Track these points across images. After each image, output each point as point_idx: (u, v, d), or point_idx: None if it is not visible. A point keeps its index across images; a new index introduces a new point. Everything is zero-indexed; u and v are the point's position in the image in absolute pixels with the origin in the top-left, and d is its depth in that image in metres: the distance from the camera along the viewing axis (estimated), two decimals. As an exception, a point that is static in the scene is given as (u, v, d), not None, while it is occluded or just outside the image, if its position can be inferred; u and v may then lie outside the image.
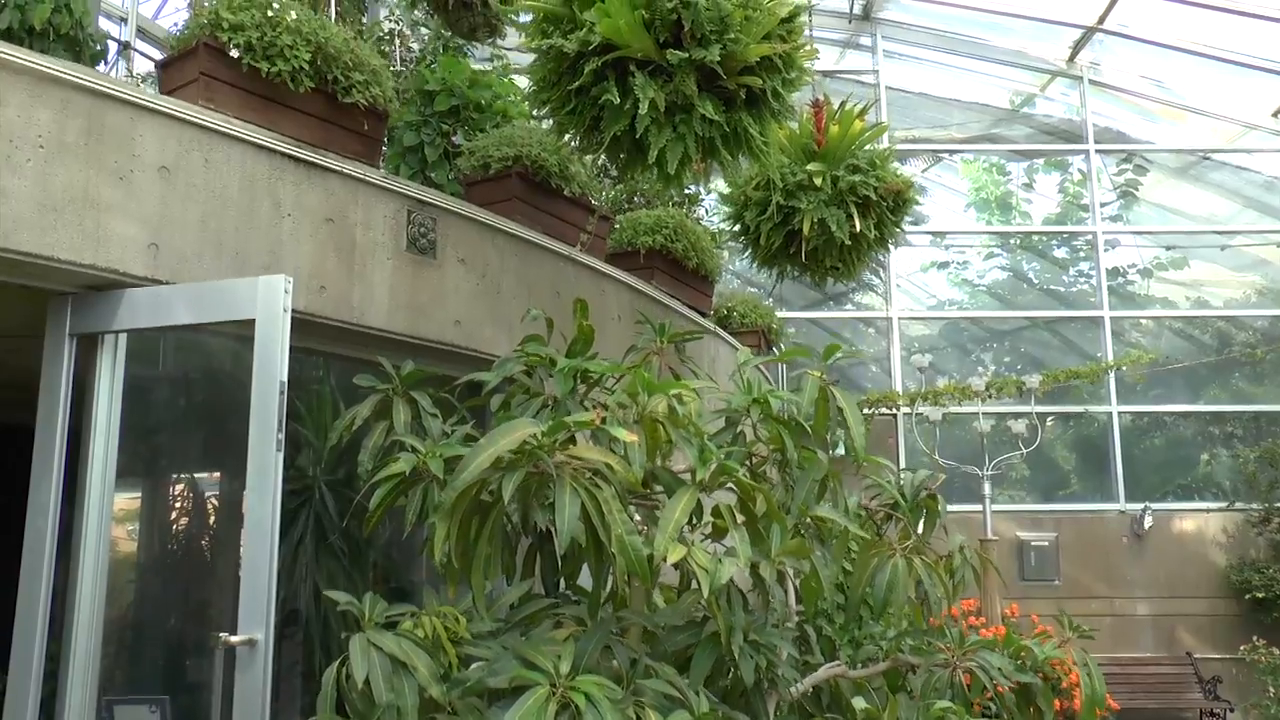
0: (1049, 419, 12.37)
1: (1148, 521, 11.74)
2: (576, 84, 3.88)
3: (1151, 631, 11.67)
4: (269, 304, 3.24)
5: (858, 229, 5.15)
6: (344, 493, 4.63)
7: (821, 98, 5.36)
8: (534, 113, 4.59)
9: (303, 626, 4.71)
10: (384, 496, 3.42)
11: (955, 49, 13.55)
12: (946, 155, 14.18)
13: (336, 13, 5.00)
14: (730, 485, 3.03)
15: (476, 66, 8.99)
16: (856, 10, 13.03)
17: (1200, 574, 11.78)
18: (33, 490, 3.45)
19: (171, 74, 3.93)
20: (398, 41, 8.33)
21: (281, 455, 3.20)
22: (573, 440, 2.84)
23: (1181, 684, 11.13)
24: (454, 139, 5.58)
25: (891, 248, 5.65)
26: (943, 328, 14.09)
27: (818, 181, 5.12)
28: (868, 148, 5.38)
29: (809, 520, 3.30)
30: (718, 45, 3.80)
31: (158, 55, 9.59)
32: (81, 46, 5.71)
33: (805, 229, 5.15)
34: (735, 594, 2.99)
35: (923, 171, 14.13)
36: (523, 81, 8.70)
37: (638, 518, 3.12)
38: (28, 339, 4.10)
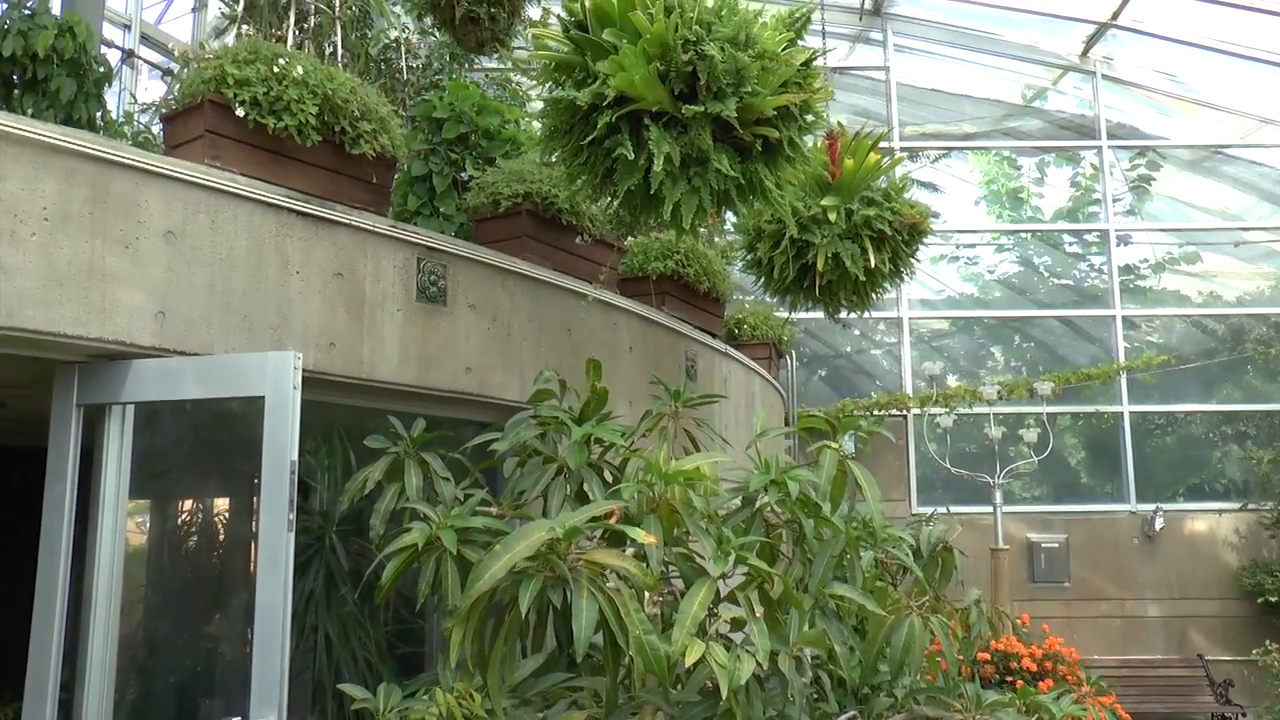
0: (1058, 418, 12.32)
1: (1159, 523, 11.70)
2: (589, 137, 3.80)
3: (1162, 633, 11.65)
4: (279, 381, 3.18)
5: (872, 264, 5.08)
6: (355, 540, 4.59)
7: (836, 128, 5.26)
8: (545, 159, 4.51)
9: (312, 667, 4.69)
10: (397, 569, 3.39)
11: (966, 43, 13.40)
12: (958, 149, 14.06)
13: (344, 55, 4.91)
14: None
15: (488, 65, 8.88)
16: (867, 5, 12.87)
17: (1212, 575, 11.74)
18: (42, 556, 3.42)
19: (176, 129, 3.86)
20: (404, 49, 8.25)
21: (293, 535, 3.15)
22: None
23: (1193, 686, 11.10)
24: (463, 174, 5.50)
25: (906, 279, 5.57)
26: (951, 322, 14.00)
27: (832, 216, 5.04)
28: (882, 179, 5.30)
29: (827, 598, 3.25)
30: (734, 98, 3.72)
31: (160, 60, 9.52)
32: (85, 70, 5.65)
33: (819, 264, 5.08)
34: (753, 682, 2.95)
35: (933, 162, 14.01)
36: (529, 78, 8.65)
37: (654, 599, 3.08)
38: (35, 386, 4.07)
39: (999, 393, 10.84)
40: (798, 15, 4.18)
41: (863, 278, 5.11)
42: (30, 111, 5.36)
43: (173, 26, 10.13)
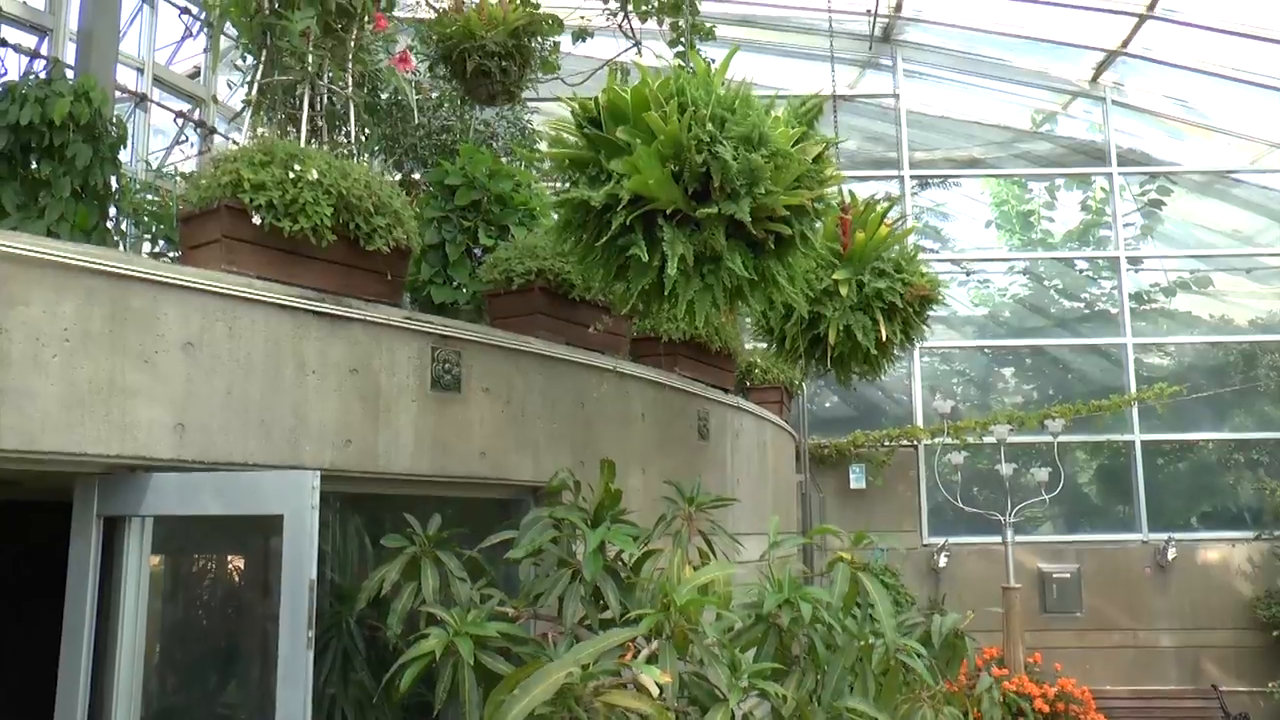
0: (1070, 445, 12.30)
1: (1171, 553, 11.68)
2: (604, 238, 3.82)
3: (1175, 663, 11.63)
4: (297, 501, 3.21)
5: (884, 337, 5.09)
6: (370, 614, 4.63)
7: (848, 200, 5.28)
8: (559, 250, 4.54)
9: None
10: (414, 675, 3.43)
11: (976, 69, 13.42)
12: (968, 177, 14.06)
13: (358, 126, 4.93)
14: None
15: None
16: (877, 33, 12.89)
17: (1225, 605, 11.72)
18: (62, 671, 3.46)
19: (193, 230, 3.90)
20: (414, 91, 8.27)
21: (312, 652, 3.18)
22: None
23: (1207, 718, 11.09)
24: (476, 249, 5.53)
25: (917, 344, 5.59)
26: (963, 339, 13.99)
27: (843, 290, 5.06)
28: (894, 249, 5.31)
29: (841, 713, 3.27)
30: (748, 199, 3.73)
31: (173, 103, 9.56)
32: (100, 134, 5.69)
33: (831, 337, 5.10)
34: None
35: (942, 184, 14.03)
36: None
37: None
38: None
39: (1010, 429, 10.84)
40: (809, 106, 4.20)
41: (874, 350, 5.12)
42: (46, 176, 5.42)
43: (184, 66, 10.19)
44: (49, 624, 3.95)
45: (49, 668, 3.59)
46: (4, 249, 3.08)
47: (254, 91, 4.69)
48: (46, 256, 3.18)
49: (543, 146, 8.16)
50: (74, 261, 3.24)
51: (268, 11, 4.74)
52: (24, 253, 3.13)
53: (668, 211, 3.79)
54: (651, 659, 2.97)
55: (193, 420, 3.47)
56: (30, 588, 6.89)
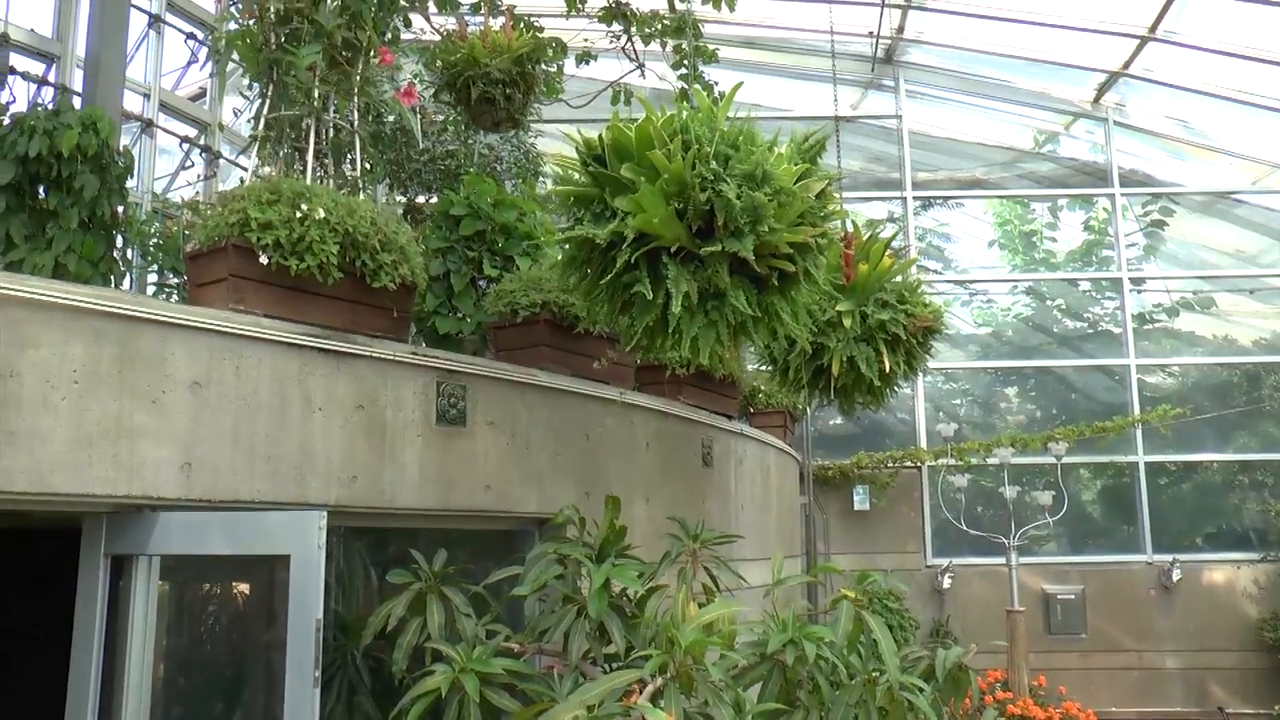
0: (1070, 463, 12.29)
1: (1176, 574, 11.66)
2: (609, 275, 3.84)
3: (1181, 685, 11.59)
4: (303, 541, 3.24)
5: (887, 368, 5.10)
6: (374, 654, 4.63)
7: (851, 230, 5.30)
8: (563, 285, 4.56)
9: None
10: (420, 712, 3.44)
11: (978, 90, 13.47)
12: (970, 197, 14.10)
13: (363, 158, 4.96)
14: None
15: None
16: (879, 54, 12.94)
17: (1231, 627, 11.68)
18: (70, 707, 3.47)
19: (200, 268, 3.92)
20: (418, 115, 8.31)
21: (318, 691, 3.20)
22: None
23: (1213, 740, 11.06)
24: (481, 281, 5.55)
25: (921, 374, 5.60)
26: (966, 357, 14.00)
27: (847, 322, 5.08)
28: (897, 279, 5.33)
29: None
30: (751, 236, 3.75)
31: (178, 129, 9.61)
32: (107, 165, 5.73)
33: (835, 368, 5.11)
34: None
35: (945, 204, 14.07)
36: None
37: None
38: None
39: (1013, 452, 10.85)
40: (812, 142, 4.22)
41: (878, 381, 5.13)
42: (54, 207, 5.45)
43: (189, 89, 10.24)
44: (53, 629, 3.98)
45: (53, 676, 3.63)
46: (15, 293, 3.12)
47: (260, 126, 4.73)
48: (56, 299, 3.21)
49: (547, 170, 8.20)
50: (83, 303, 3.27)
51: (274, 46, 4.78)
52: (34, 296, 3.16)
53: (672, 249, 3.81)
54: (655, 696, 2.99)
55: (200, 459, 3.50)
56: (34, 589, 6.93)
